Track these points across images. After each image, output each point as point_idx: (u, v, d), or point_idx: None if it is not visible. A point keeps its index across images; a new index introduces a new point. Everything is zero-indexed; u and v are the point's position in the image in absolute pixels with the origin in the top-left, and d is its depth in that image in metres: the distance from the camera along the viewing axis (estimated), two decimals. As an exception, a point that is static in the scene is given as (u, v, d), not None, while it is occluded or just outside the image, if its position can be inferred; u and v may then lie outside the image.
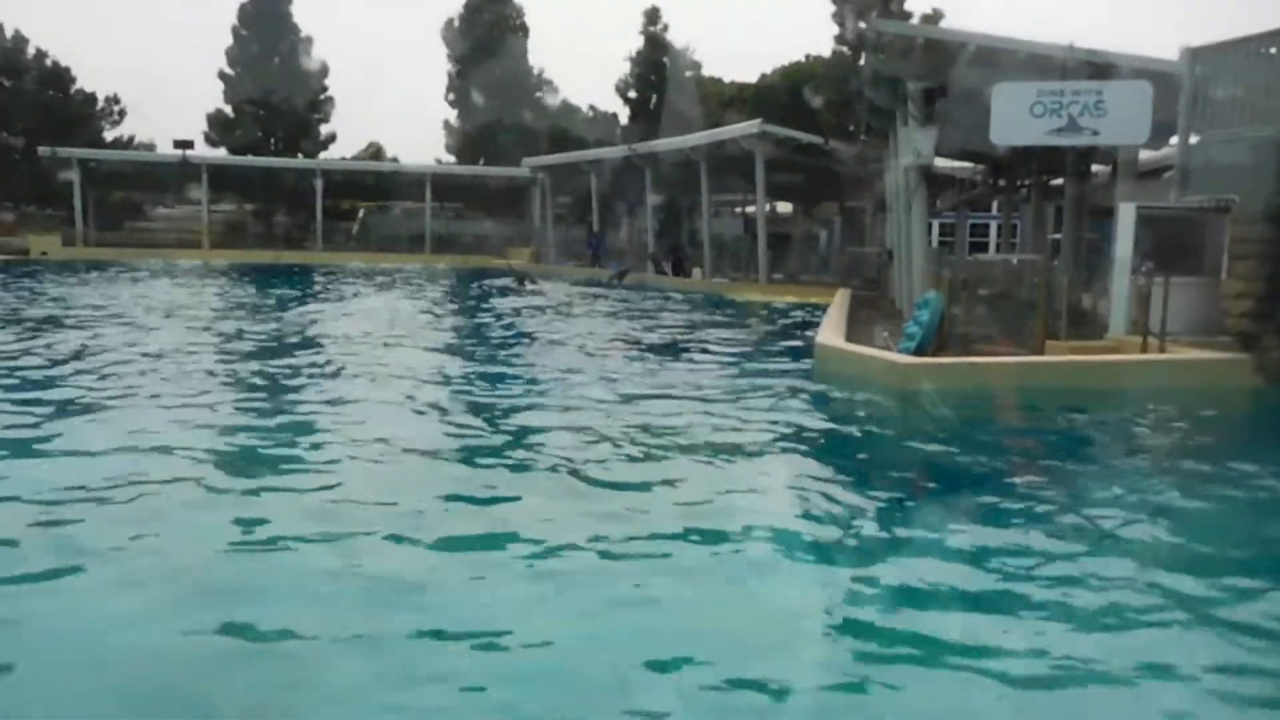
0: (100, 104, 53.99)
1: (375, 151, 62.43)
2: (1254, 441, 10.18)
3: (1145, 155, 18.69)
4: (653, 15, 53.40)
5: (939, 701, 4.10)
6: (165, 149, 47.65)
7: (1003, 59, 15.67)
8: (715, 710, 4.04)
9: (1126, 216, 13.82)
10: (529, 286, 29.00)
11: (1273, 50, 12.40)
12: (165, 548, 5.67)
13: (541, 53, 73.03)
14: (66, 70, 52.27)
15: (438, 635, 4.58)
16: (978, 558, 5.76)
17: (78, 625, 4.60)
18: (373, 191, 52.84)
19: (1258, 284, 12.47)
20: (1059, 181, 22.41)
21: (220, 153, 51.92)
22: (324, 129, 57.05)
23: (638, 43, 53.44)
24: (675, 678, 4.23)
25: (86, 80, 54.26)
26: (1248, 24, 12.82)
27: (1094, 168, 20.86)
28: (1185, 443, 9.80)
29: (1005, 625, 4.84)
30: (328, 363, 13.22)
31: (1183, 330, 12.98)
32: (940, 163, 22.62)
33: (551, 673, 4.28)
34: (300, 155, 52.14)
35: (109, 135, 53.97)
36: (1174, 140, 14.83)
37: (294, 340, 15.73)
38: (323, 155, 54.64)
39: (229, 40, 55.00)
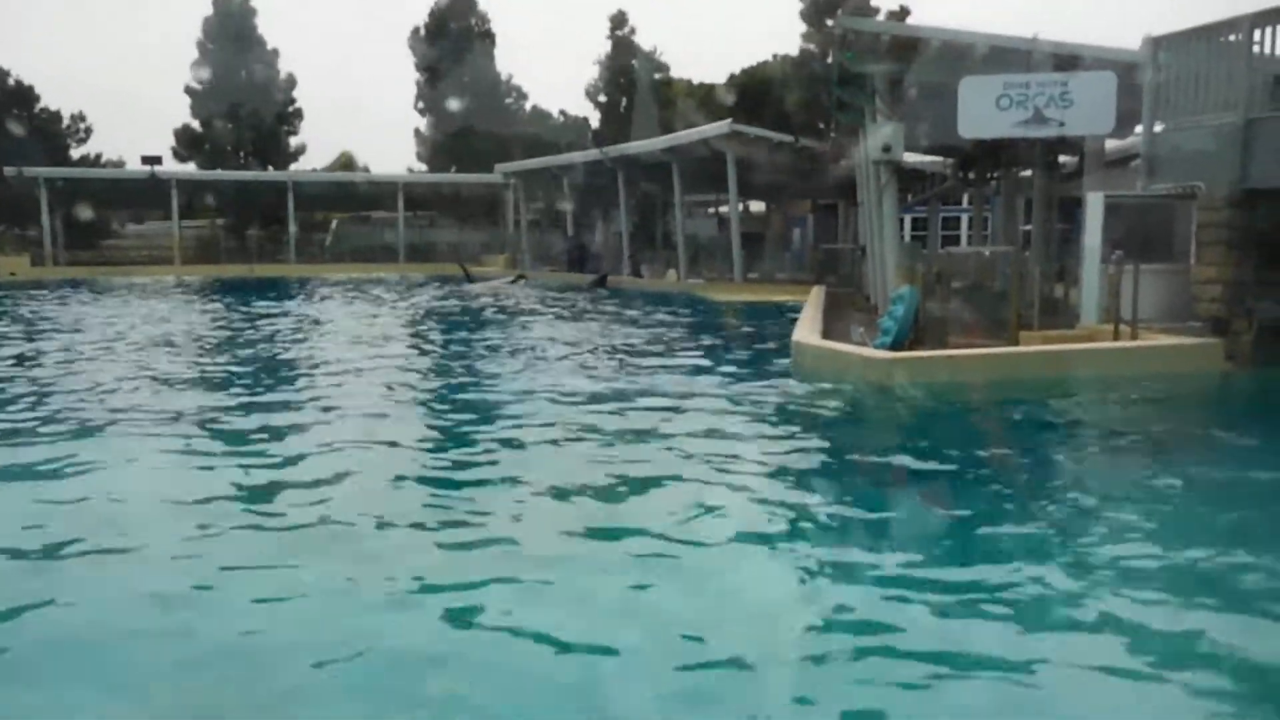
0: (66, 122, 53.54)
1: (347, 161, 62.22)
2: (1224, 422, 10.31)
3: (1112, 144, 18.88)
4: (619, 19, 53.55)
5: (914, 687, 4.12)
6: (134, 166, 47.32)
7: (968, 53, 15.80)
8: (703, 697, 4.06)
9: (1095, 206, 13.93)
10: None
11: (1233, 37, 12.55)
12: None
13: (510, 59, 73.19)
14: (30, 89, 51.77)
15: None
16: (956, 546, 5.80)
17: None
18: (345, 202, 52.64)
19: (1226, 269, 12.62)
20: (1029, 173, 22.59)
21: (189, 168, 51.60)
22: (293, 141, 56.91)
23: (606, 47, 53.68)
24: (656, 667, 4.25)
25: (51, 98, 53.91)
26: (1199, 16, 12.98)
27: (1061, 158, 21.03)
28: (1159, 426, 9.91)
29: (980, 615, 4.86)
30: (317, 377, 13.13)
31: (1154, 317, 13.12)
32: (910, 157, 22.76)
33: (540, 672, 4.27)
34: (270, 168, 51.84)
35: (75, 153, 53.51)
36: (1139, 129, 14.97)
37: (259, 362, 15.61)
38: (293, 167, 54.37)
39: (194, 54, 54.78)
